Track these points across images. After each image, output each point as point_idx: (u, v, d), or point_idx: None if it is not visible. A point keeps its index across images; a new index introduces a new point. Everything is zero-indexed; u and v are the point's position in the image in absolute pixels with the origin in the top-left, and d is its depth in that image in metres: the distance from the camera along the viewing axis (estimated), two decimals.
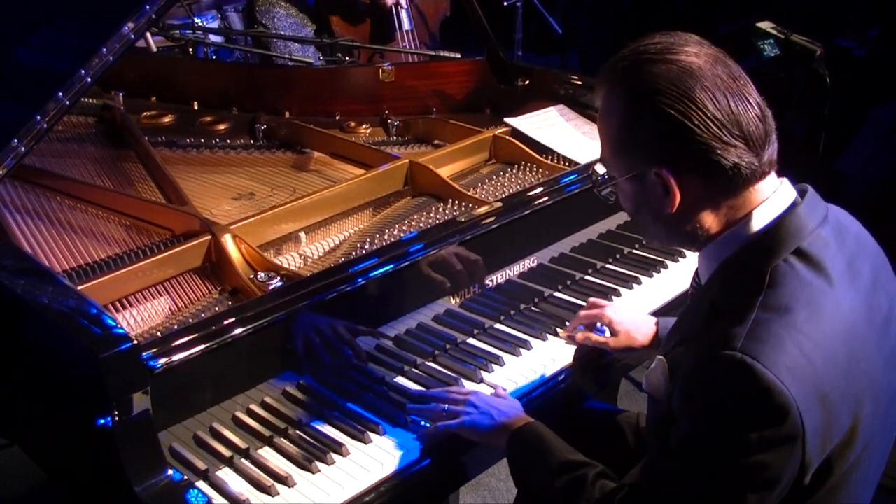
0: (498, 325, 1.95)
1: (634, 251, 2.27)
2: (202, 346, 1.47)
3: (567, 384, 1.84)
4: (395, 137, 2.60)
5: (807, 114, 3.49)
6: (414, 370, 1.80)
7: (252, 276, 1.72)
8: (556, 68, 4.37)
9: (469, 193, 2.09)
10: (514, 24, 4.71)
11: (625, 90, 1.27)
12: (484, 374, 1.78)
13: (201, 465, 1.49)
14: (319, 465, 1.52)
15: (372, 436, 1.60)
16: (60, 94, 1.71)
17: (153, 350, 1.43)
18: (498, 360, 1.83)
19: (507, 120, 2.46)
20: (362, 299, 1.71)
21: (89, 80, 1.73)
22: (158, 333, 1.56)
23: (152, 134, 2.43)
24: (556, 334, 1.91)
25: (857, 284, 1.28)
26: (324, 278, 1.66)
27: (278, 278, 1.70)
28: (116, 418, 1.35)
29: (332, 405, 1.67)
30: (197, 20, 4.02)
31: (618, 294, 2.09)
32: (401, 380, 1.77)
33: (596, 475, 1.38)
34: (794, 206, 1.28)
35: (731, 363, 1.15)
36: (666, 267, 2.21)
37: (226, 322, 1.52)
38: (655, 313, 2.06)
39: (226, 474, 1.51)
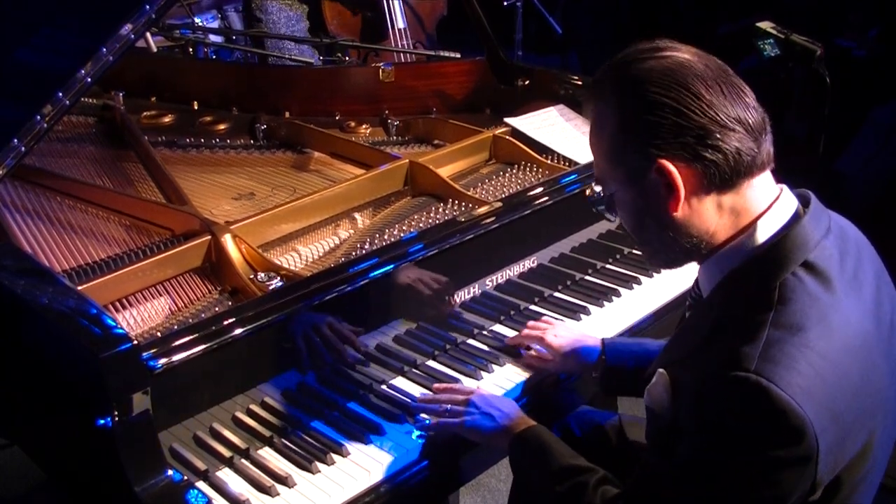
0: (497, 326, 1.96)
1: (634, 251, 2.26)
2: (202, 346, 1.47)
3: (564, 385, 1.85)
4: (395, 137, 2.60)
5: (807, 114, 3.50)
6: (414, 370, 1.80)
7: (252, 276, 1.72)
8: (556, 68, 4.37)
9: (469, 193, 2.09)
10: (514, 24, 4.71)
11: (616, 92, 1.26)
12: (484, 374, 1.79)
13: (201, 465, 1.49)
14: (319, 465, 1.52)
15: (372, 436, 1.60)
16: (60, 94, 1.71)
17: (153, 350, 1.43)
18: (498, 360, 1.83)
19: (507, 120, 2.46)
20: (362, 299, 1.71)
21: (89, 80, 1.73)
22: (158, 333, 1.57)
23: (152, 134, 2.43)
24: None
25: (863, 294, 1.27)
26: (324, 278, 1.66)
27: (278, 278, 1.70)
28: (116, 418, 1.35)
29: (332, 405, 1.67)
30: (197, 20, 4.03)
31: (618, 294, 2.09)
32: (401, 380, 1.77)
33: (598, 481, 1.37)
34: (797, 216, 1.26)
35: (746, 385, 1.12)
36: (670, 268, 2.20)
37: (226, 322, 1.52)
38: (656, 313, 2.07)
39: (226, 474, 1.51)
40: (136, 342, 1.40)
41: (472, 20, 2.67)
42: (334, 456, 1.54)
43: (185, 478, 1.42)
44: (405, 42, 4.59)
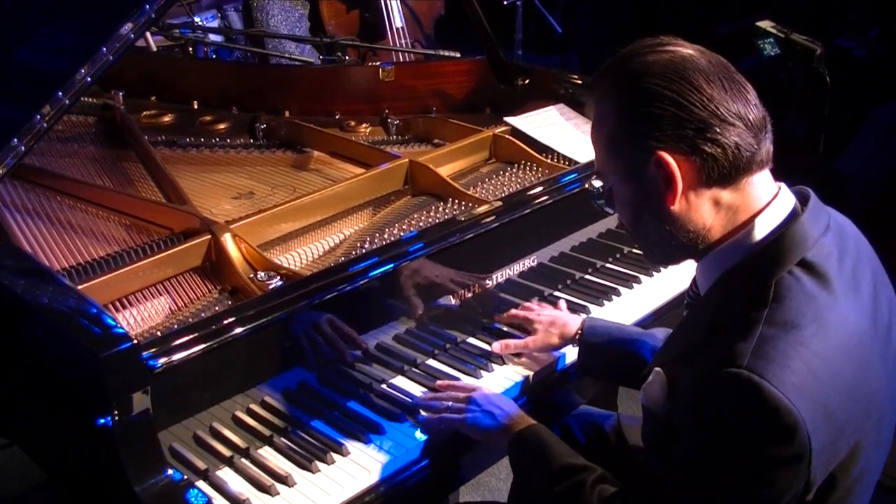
0: (498, 325, 1.96)
1: (634, 250, 2.26)
2: (202, 346, 1.47)
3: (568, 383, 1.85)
4: (394, 137, 2.60)
5: (807, 114, 3.50)
6: (414, 369, 1.80)
7: (252, 276, 1.72)
8: (556, 68, 4.37)
9: (469, 193, 2.09)
10: (514, 24, 4.71)
11: (617, 85, 1.26)
12: (484, 373, 1.79)
13: (201, 464, 1.49)
14: (319, 464, 1.52)
15: (372, 435, 1.60)
16: (60, 93, 1.71)
17: (153, 350, 1.43)
18: (498, 359, 1.83)
19: (507, 119, 2.46)
20: (362, 298, 1.71)
21: (89, 79, 1.73)
22: (158, 333, 1.56)
23: (152, 133, 2.43)
24: None
25: (861, 294, 1.26)
26: (323, 278, 1.66)
27: (278, 278, 1.70)
28: (116, 418, 1.35)
29: (332, 405, 1.67)
30: (197, 20, 4.03)
31: (618, 293, 2.09)
32: (401, 379, 1.77)
33: (595, 480, 1.37)
34: (795, 214, 1.26)
35: (738, 381, 1.12)
36: (666, 266, 2.21)
37: (226, 321, 1.52)
38: (656, 312, 2.07)
39: (226, 474, 1.51)
40: (136, 342, 1.39)
41: (471, 20, 2.67)
42: (334, 455, 1.54)
43: (186, 477, 1.42)
44: (403, 41, 4.59)
